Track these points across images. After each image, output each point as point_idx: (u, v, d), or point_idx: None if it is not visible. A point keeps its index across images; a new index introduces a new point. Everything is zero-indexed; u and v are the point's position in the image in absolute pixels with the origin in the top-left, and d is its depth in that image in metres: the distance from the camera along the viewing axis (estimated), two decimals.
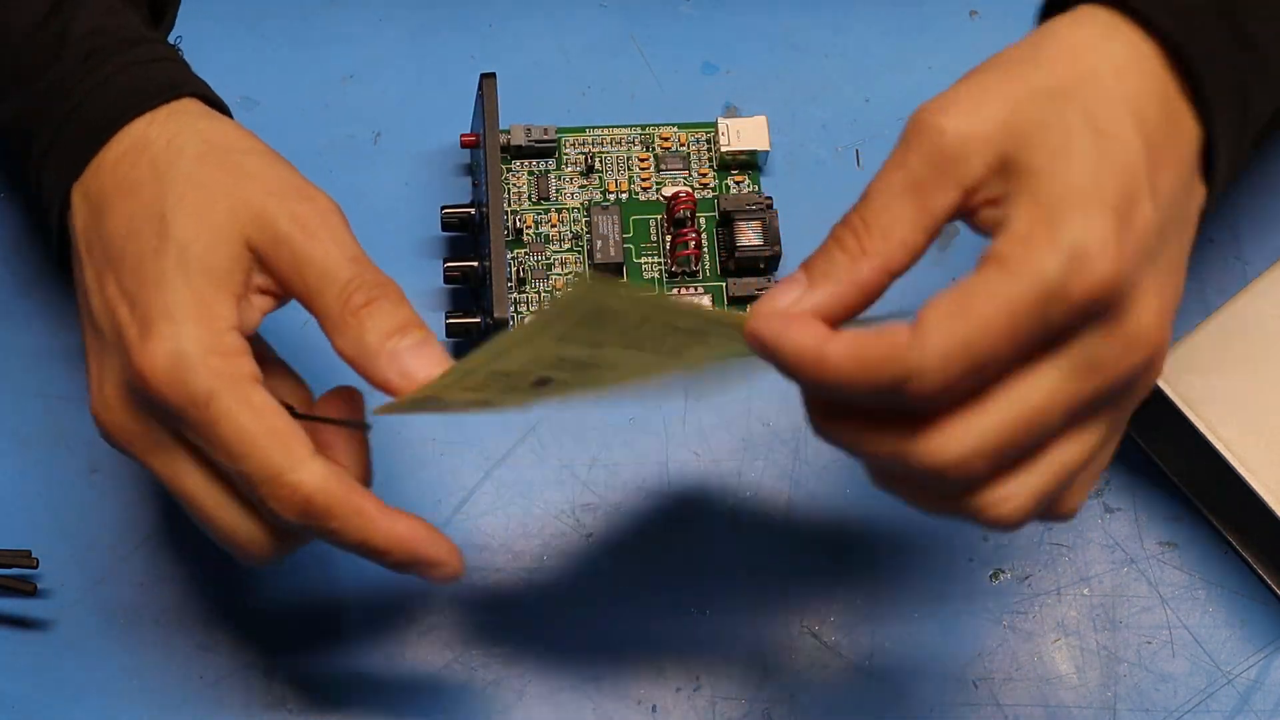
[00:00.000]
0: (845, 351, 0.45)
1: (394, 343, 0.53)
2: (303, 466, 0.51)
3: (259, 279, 0.54)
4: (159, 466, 0.53)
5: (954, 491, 0.48)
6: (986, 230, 0.48)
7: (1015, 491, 0.48)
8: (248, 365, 0.52)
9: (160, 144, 0.54)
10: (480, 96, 0.67)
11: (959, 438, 0.46)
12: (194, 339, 0.51)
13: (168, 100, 0.56)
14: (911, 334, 0.45)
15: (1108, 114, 0.48)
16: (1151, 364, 0.48)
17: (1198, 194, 0.51)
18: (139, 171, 0.54)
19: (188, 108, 0.56)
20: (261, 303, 0.54)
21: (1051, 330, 0.46)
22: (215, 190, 0.53)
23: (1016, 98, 0.48)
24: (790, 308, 0.48)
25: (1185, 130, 0.50)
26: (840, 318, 0.49)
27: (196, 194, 0.53)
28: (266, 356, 0.56)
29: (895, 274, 0.49)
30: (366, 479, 0.55)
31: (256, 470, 0.51)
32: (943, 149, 0.48)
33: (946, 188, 0.48)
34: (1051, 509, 0.50)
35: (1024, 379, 0.46)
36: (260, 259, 0.53)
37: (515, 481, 0.66)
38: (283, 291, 0.54)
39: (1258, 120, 0.53)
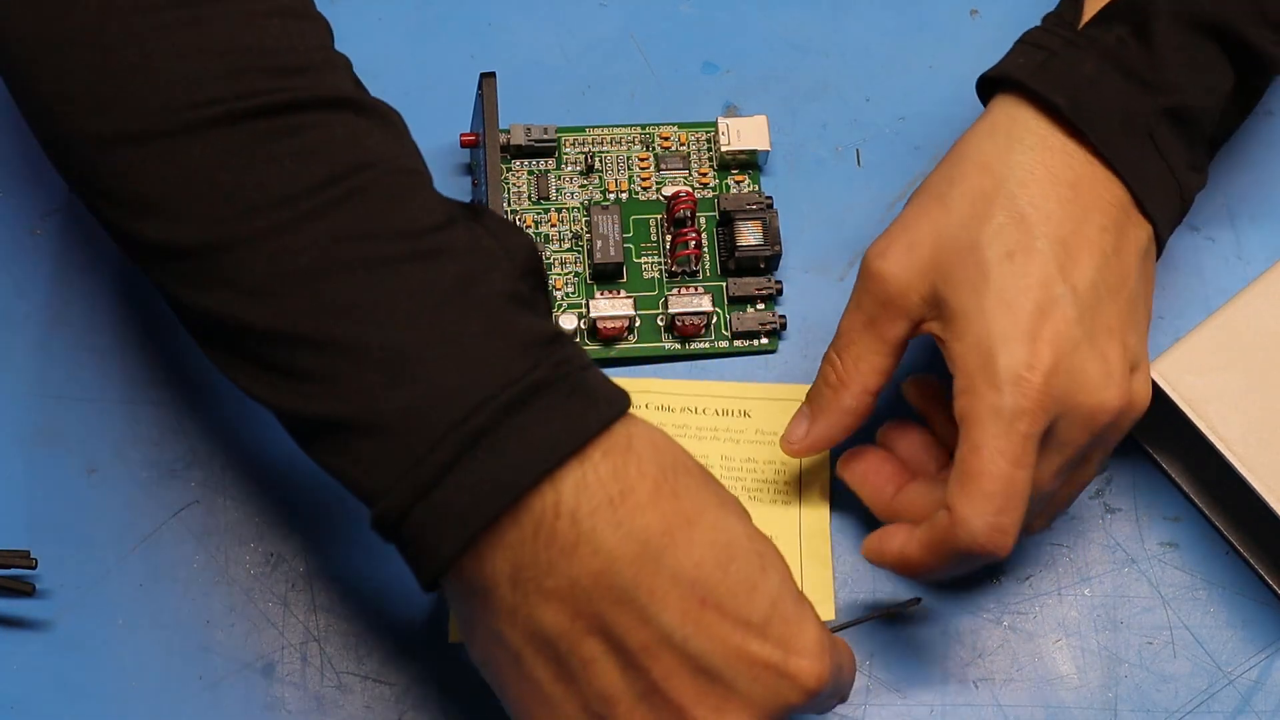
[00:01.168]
0: (919, 551, 0.57)
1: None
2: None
3: None
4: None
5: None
6: (936, 338, 0.58)
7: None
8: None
9: (659, 450, 0.51)
10: (480, 96, 0.66)
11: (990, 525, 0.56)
12: (817, 627, 0.52)
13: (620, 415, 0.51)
14: (950, 522, 0.56)
15: (1014, 235, 0.57)
16: (1118, 411, 0.57)
17: (1135, 238, 0.59)
18: (671, 484, 0.51)
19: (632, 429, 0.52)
20: None
21: (1038, 436, 0.56)
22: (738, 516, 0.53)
23: (938, 237, 0.58)
24: (802, 438, 0.61)
25: (1103, 194, 0.58)
26: (841, 436, 0.61)
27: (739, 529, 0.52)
28: None
29: (874, 393, 0.60)
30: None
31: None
32: (887, 293, 0.58)
33: (896, 320, 0.59)
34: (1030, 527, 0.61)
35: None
36: None
37: None
38: None
39: (1182, 137, 0.60)
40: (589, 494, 0.49)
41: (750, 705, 0.50)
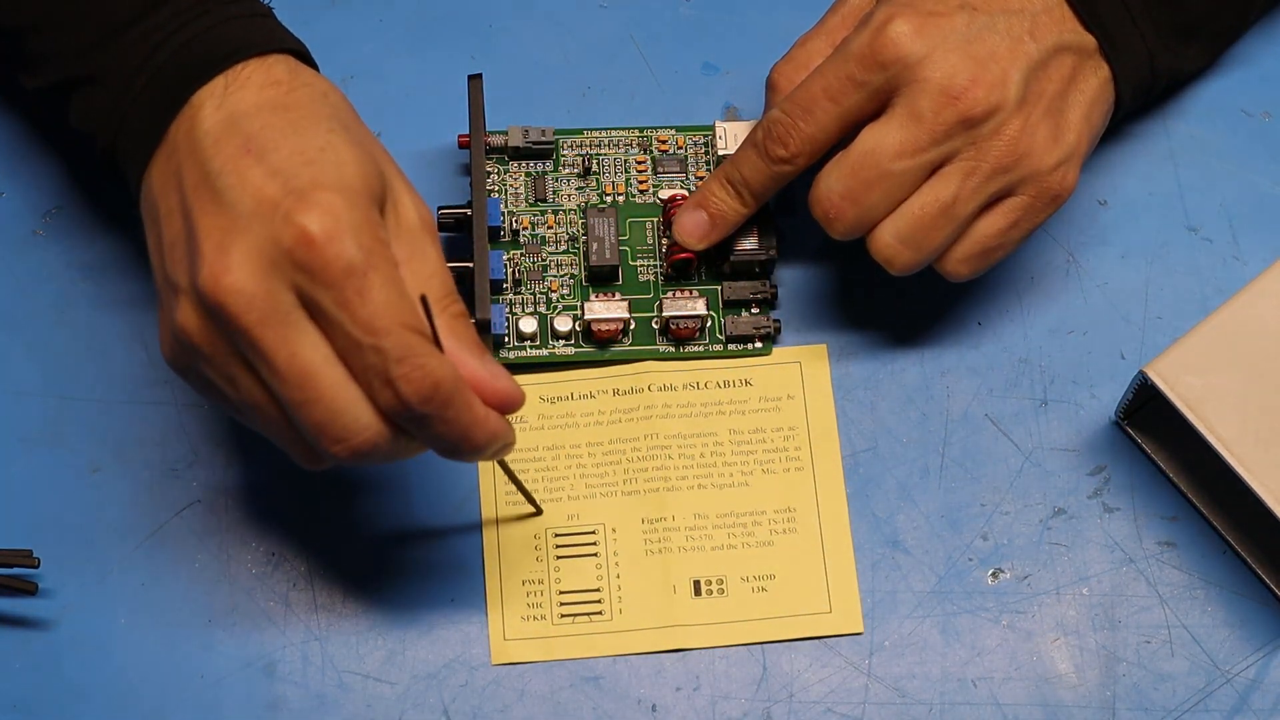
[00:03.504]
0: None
1: (484, 365, 0.55)
2: (434, 353, 0.52)
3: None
4: (273, 339, 0.52)
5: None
6: None
7: (885, 234, 0.62)
8: (391, 252, 0.54)
9: (310, 77, 0.57)
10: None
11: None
12: (354, 209, 0.52)
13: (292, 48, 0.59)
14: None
15: None
16: (982, 106, 0.60)
17: (1066, 36, 0.62)
18: (298, 94, 0.56)
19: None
20: None
21: (866, 84, 0.61)
22: (353, 134, 0.56)
23: None
24: (699, 241, 0.67)
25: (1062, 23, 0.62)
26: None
27: (356, 121, 0.58)
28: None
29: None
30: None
31: (395, 347, 0.51)
32: (882, 66, 0.62)
33: (850, 101, 0.62)
34: (936, 258, 0.63)
35: (869, 133, 0.61)
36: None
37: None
38: None
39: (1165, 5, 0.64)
40: (218, 90, 0.56)
41: (250, 239, 0.52)
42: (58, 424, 0.66)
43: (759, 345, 0.68)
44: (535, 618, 0.63)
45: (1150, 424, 0.66)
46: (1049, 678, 0.64)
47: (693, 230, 0.66)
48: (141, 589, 0.64)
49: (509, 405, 0.55)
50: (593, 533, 0.65)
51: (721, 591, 0.64)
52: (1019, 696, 0.63)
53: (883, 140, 0.61)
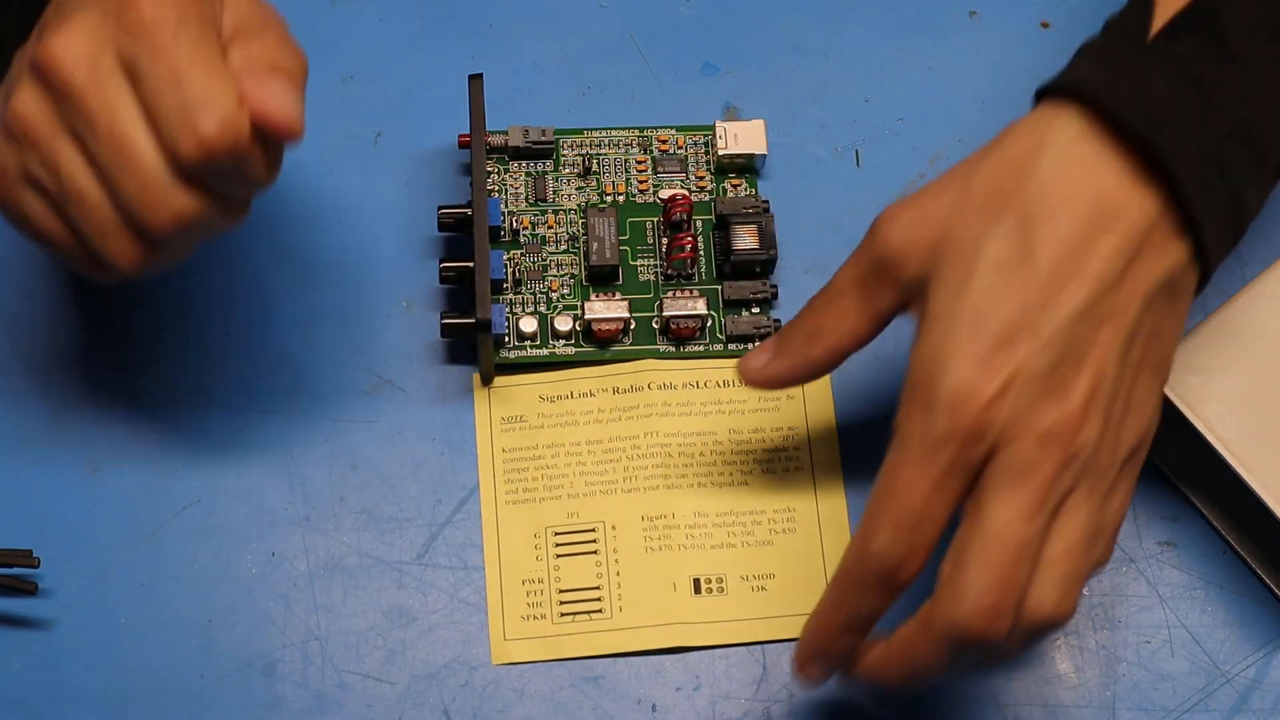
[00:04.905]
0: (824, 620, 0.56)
1: (274, 78, 0.55)
2: (234, 100, 0.54)
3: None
4: (97, 98, 0.54)
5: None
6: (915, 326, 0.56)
7: (1045, 594, 0.54)
8: (210, 15, 0.55)
9: None
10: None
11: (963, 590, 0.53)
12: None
13: None
14: (857, 541, 0.55)
15: (1013, 245, 0.54)
16: (1075, 438, 0.53)
17: (1156, 264, 0.54)
18: None
19: None
20: None
21: (964, 465, 0.53)
22: None
23: (950, 219, 0.55)
24: (760, 369, 0.60)
25: (1129, 213, 0.54)
26: (797, 383, 0.60)
27: None
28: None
29: (843, 354, 0.59)
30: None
31: (198, 95, 0.53)
32: (885, 258, 0.56)
33: (886, 289, 0.57)
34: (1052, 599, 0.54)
35: (980, 511, 0.53)
36: None
37: None
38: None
39: (1251, 159, 0.56)
40: None
41: (83, 14, 0.54)
42: (58, 424, 0.66)
43: (759, 345, 0.68)
44: (535, 617, 0.63)
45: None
46: (1049, 678, 0.64)
47: None
48: (141, 588, 0.64)
49: (286, 132, 0.55)
50: (592, 530, 0.65)
51: (721, 590, 0.64)
52: (1019, 696, 0.63)
53: (1002, 513, 0.53)
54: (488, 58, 0.73)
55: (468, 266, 0.65)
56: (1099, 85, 0.55)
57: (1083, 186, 0.54)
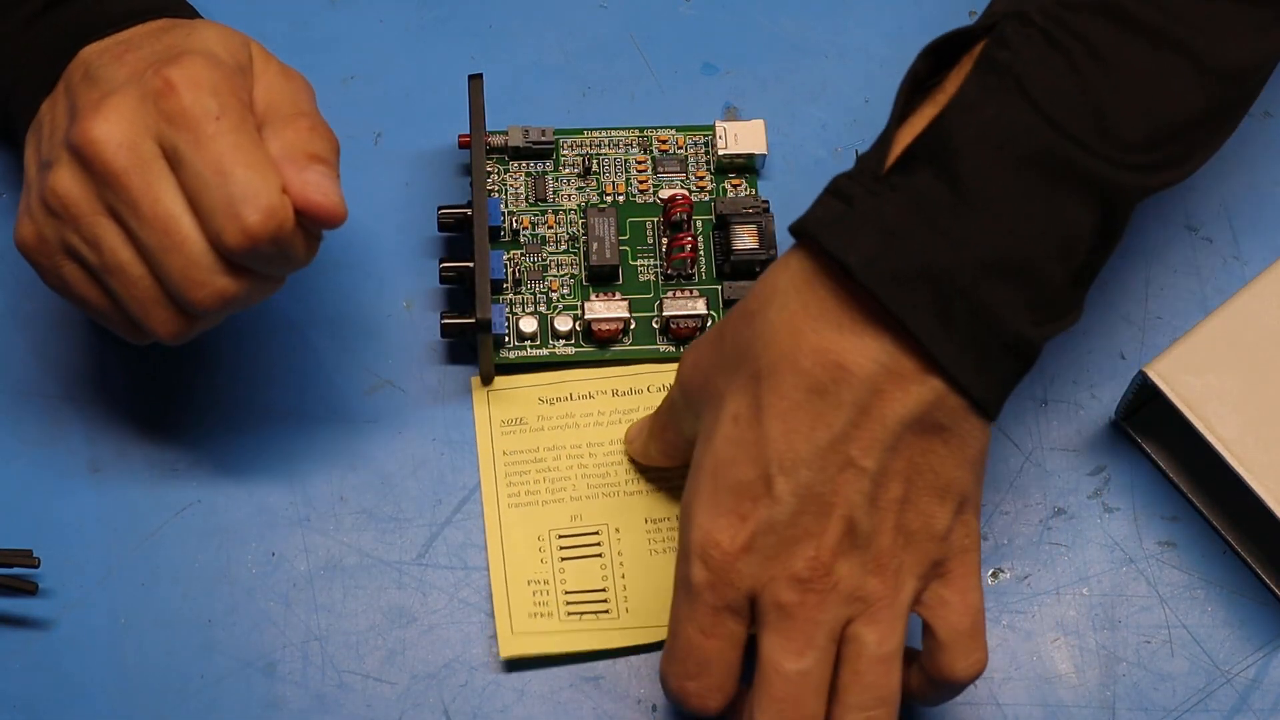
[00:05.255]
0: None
1: (313, 166, 0.57)
2: (276, 191, 0.55)
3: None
4: (139, 184, 0.55)
5: None
6: None
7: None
8: (247, 103, 0.56)
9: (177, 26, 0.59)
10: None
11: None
12: (215, 69, 0.55)
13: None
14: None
15: (747, 399, 0.55)
16: (824, 585, 0.54)
17: (896, 405, 0.54)
18: (153, 38, 0.58)
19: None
20: None
21: (729, 608, 0.55)
22: (222, 29, 0.59)
23: (710, 366, 0.57)
24: (635, 451, 0.66)
25: (859, 360, 0.53)
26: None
27: (211, 28, 0.59)
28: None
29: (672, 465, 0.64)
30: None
31: (241, 185, 0.54)
32: (681, 387, 0.59)
33: (676, 426, 0.61)
34: None
35: (759, 653, 0.56)
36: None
37: None
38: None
39: (1017, 288, 0.54)
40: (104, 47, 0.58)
41: (122, 97, 0.56)
42: (58, 424, 0.66)
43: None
44: (542, 614, 0.63)
45: (1150, 424, 0.66)
46: (1049, 678, 0.64)
47: None
48: (141, 588, 0.64)
49: (330, 219, 0.57)
50: (596, 533, 0.65)
51: None
52: (1019, 696, 0.63)
53: (773, 653, 0.55)
54: (488, 58, 0.73)
55: (468, 266, 0.65)
56: (823, 227, 0.54)
57: (806, 339, 0.54)
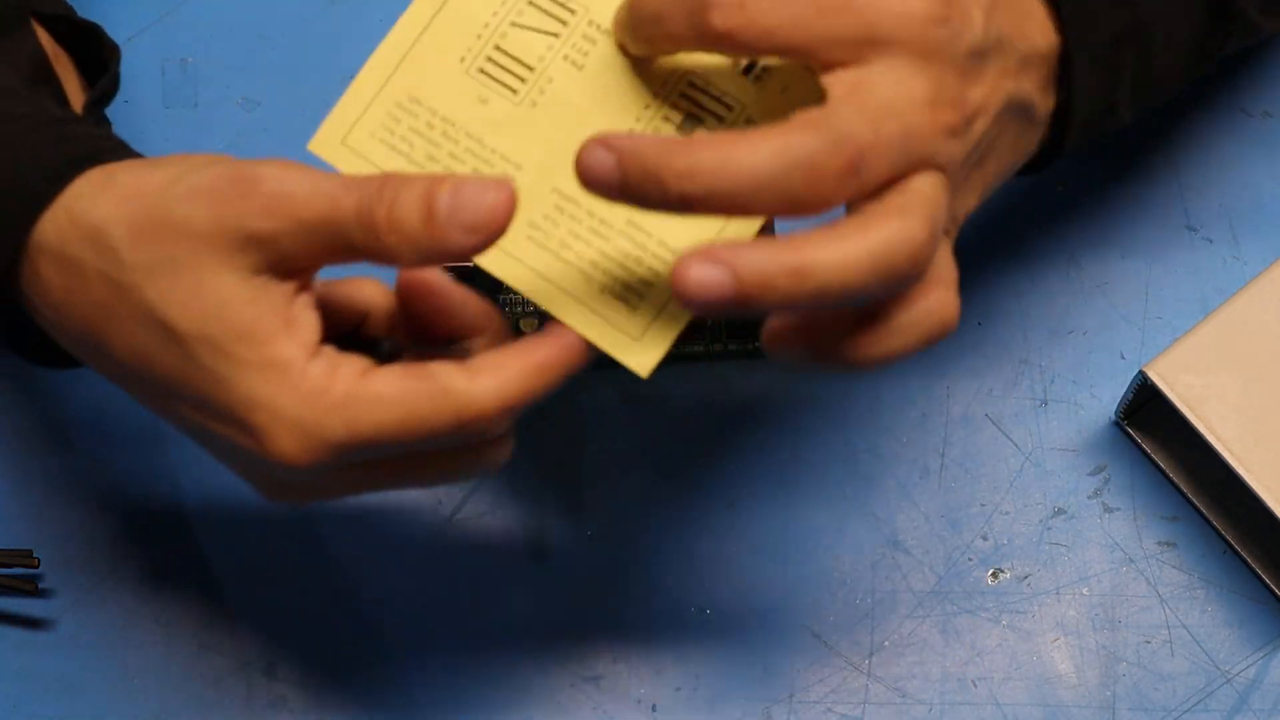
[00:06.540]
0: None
1: (441, 210, 0.49)
2: (465, 393, 0.49)
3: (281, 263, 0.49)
4: (370, 487, 0.52)
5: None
6: None
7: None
8: (347, 367, 0.49)
9: (89, 256, 0.50)
10: None
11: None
12: (294, 406, 0.48)
13: (55, 194, 0.51)
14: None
15: None
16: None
17: (1022, 78, 0.51)
18: (95, 296, 0.50)
19: (81, 191, 0.50)
20: (303, 280, 0.50)
21: None
22: (178, 260, 0.48)
23: None
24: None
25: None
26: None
27: (166, 281, 0.49)
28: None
29: None
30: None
31: (440, 430, 0.48)
32: None
33: None
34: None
35: None
36: (270, 260, 0.49)
37: (516, 480, 0.66)
38: (308, 262, 0.50)
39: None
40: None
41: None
42: (58, 424, 0.66)
43: (758, 344, 0.68)
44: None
45: (1150, 424, 0.66)
46: (1049, 678, 0.64)
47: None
48: (140, 589, 0.64)
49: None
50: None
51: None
52: (1019, 696, 0.63)
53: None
54: None
55: (468, 266, 0.65)
56: None
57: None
